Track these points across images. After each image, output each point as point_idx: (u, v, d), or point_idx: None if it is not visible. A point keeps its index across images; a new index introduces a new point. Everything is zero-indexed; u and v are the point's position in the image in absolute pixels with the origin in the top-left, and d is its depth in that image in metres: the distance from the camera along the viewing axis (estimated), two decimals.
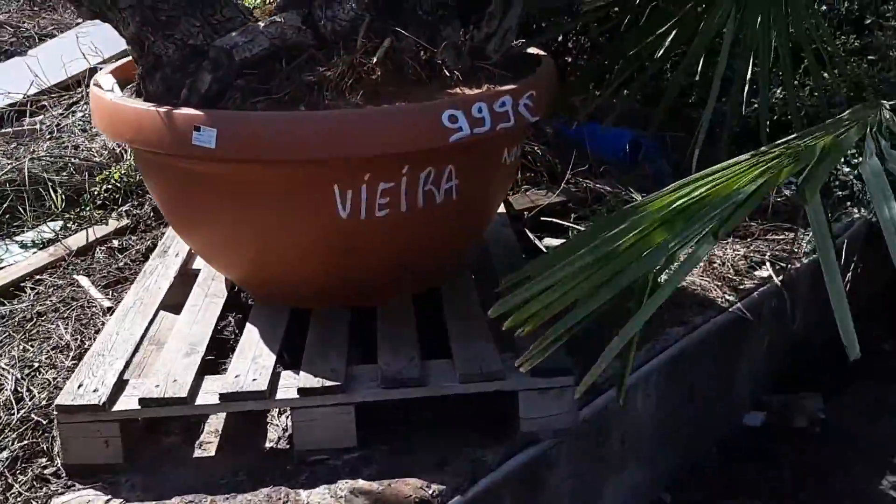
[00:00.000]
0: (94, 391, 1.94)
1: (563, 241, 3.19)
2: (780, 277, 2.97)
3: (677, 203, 1.55)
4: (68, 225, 3.28)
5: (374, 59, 2.14)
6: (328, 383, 1.95)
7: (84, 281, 2.90)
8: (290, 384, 1.98)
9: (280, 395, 1.95)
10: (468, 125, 2.02)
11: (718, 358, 2.82)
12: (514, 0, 2.28)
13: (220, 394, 1.93)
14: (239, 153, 1.94)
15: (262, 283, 2.38)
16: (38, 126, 3.94)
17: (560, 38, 4.59)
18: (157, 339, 2.39)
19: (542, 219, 3.30)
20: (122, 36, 2.28)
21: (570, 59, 4.66)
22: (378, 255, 2.22)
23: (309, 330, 2.26)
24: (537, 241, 3.18)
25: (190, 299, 2.46)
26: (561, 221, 3.29)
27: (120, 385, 2.00)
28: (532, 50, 2.59)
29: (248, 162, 1.97)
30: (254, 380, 1.97)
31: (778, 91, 3.81)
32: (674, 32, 2.40)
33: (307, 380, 1.97)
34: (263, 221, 2.13)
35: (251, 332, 2.26)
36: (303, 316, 2.38)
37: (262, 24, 2.20)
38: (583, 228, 3.22)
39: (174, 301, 2.54)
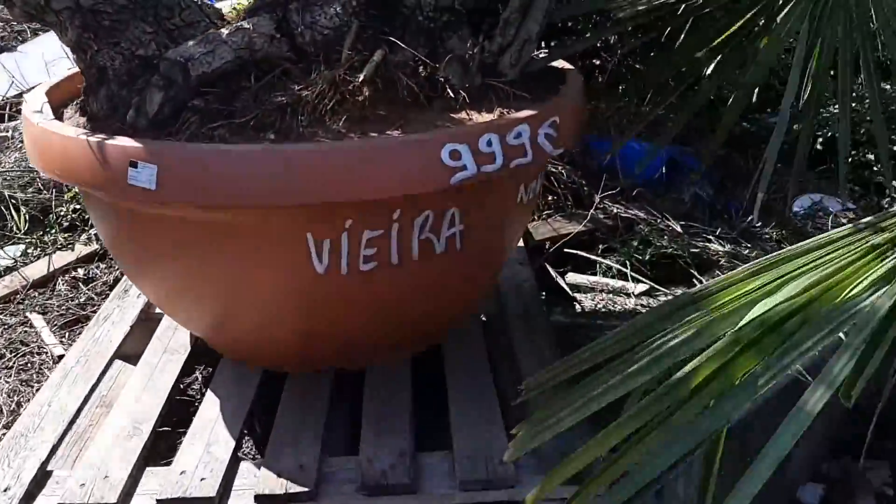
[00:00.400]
0: (3, 491, 1.56)
1: (589, 277, 2.78)
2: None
3: (765, 310, 1.13)
4: (29, 250, 2.91)
5: (362, 76, 1.74)
6: (293, 488, 1.55)
7: (38, 320, 2.53)
8: (248, 485, 1.59)
9: (233, 501, 1.56)
10: (474, 163, 1.61)
11: (770, 425, 2.39)
12: (535, 4, 1.86)
13: (157, 500, 1.54)
14: (184, 196, 1.54)
15: (228, 343, 1.99)
16: (9, 133, 3.57)
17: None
18: (109, 399, 2.01)
19: (566, 250, 2.89)
20: (63, 43, 1.89)
21: (598, 63, 4.23)
22: (363, 315, 1.83)
23: (280, 403, 1.87)
24: (560, 279, 2.76)
25: (145, 355, 2.08)
26: (588, 255, 2.88)
27: (40, 479, 1.62)
28: (556, 62, 2.17)
29: (199, 207, 1.57)
30: (202, 479, 1.58)
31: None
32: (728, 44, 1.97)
33: (267, 480, 1.58)
34: (223, 274, 1.74)
35: (210, 404, 1.87)
36: (277, 380, 1.99)
37: (225, 31, 1.80)
38: (612, 263, 2.81)
39: (134, 350, 2.17)
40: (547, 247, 2.93)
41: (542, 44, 2.24)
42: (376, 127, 1.73)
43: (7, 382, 2.18)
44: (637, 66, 3.34)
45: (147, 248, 1.77)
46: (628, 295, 2.72)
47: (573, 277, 2.81)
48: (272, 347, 1.92)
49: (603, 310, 2.66)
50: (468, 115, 1.79)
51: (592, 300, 2.73)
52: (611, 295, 2.74)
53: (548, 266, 2.80)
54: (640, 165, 2.69)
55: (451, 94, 1.80)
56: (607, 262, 2.84)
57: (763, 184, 1.85)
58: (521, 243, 2.76)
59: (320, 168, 1.53)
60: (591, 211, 3.03)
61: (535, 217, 3.05)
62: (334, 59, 1.80)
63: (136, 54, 1.79)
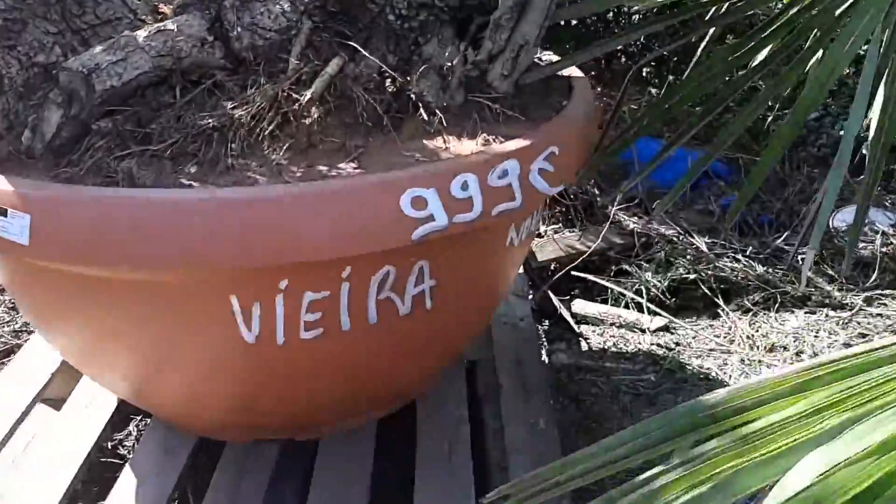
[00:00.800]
0: None
1: (599, 307, 2.42)
2: None
3: (821, 474, 0.76)
4: None
5: (310, 93, 1.38)
6: None
7: None
8: None
9: None
10: (444, 213, 1.26)
11: None
12: (532, 2, 1.49)
13: None
14: (64, 255, 1.20)
15: (154, 407, 1.66)
16: None
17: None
18: (15, 460, 1.69)
19: (573, 272, 2.54)
20: None
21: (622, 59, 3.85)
22: (309, 386, 1.49)
23: (211, 484, 1.55)
24: (564, 310, 2.41)
25: (66, 405, 1.77)
26: (597, 279, 2.52)
27: None
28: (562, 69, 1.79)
29: (84, 265, 1.24)
30: None
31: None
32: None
33: None
34: (138, 334, 1.41)
35: (126, 483, 1.55)
36: (214, 449, 1.67)
37: (144, 33, 1.45)
38: (625, 291, 2.44)
39: (61, 393, 1.86)
40: (552, 268, 2.58)
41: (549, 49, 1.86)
42: (326, 158, 1.38)
43: None
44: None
45: (44, 302, 1.44)
46: (643, 330, 2.37)
47: (581, 306, 2.45)
48: (204, 417, 1.60)
49: (613, 348, 2.31)
50: (445, 141, 1.43)
51: (601, 335, 2.38)
52: (623, 330, 2.38)
53: (551, 295, 2.44)
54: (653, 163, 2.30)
55: (425, 116, 1.44)
56: (619, 289, 2.48)
57: (824, 215, 1.45)
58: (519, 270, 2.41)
59: (239, 222, 1.19)
60: (606, 227, 2.67)
61: (540, 233, 2.69)
62: (279, 70, 1.45)
63: (34, 61, 1.45)
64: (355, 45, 1.46)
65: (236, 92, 1.44)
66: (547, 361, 2.20)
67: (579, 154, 1.49)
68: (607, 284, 2.50)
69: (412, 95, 1.46)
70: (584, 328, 2.41)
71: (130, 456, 1.81)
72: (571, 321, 2.37)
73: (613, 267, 2.60)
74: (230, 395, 1.50)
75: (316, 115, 1.38)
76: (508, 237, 1.52)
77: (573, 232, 2.71)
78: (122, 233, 1.18)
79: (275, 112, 1.38)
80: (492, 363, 1.93)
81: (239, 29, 1.46)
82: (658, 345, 2.31)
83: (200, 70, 1.46)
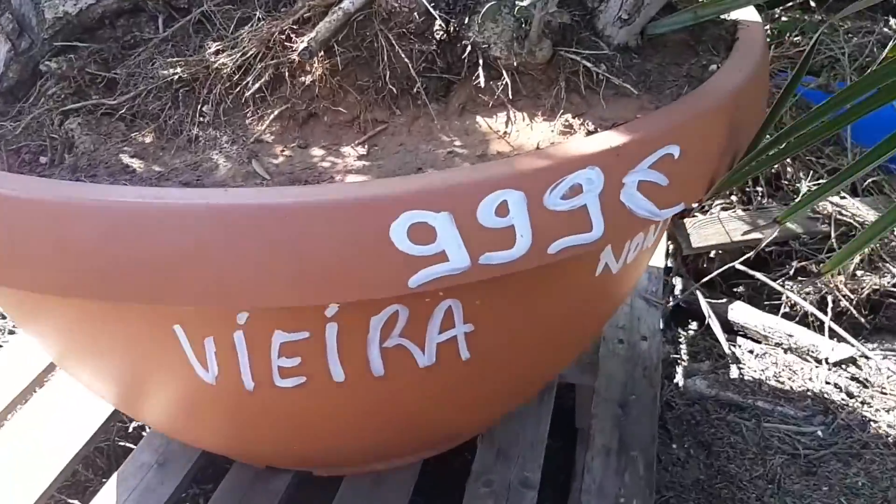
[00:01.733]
0: None
1: (766, 318, 1.85)
2: None
3: None
4: None
5: (308, 40, 0.94)
6: None
7: None
8: None
9: None
10: (464, 250, 0.80)
11: None
12: None
13: None
14: None
15: (145, 423, 1.35)
16: None
17: None
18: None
19: (738, 267, 1.97)
20: None
21: None
22: (304, 437, 1.11)
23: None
24: (714, 323, 1.86)
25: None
26: (769, 280, 1.93)
27: None
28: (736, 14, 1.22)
29: None
30: None
31: None
32: None
33: None
34: (106, 356, 1.07)
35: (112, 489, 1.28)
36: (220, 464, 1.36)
37: None
38: (800, 301, 1.85)
39: None
40: (712, 257, 2.02)
41: None
42: (328, 136, 0.96)
43: None
44: None
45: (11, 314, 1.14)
46: (819, 360, 1.78)
47: (741, 313, 1.89)
48: (201, 445, 1.27)
49: (773, 381, 1.76)
50: (510, 120, 0.96)
51: (761, 359, 1.82)
52: (791, 355, 1.81)
53: (700, 296, 1.90)
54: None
55: (483, 79, 0.97)
56: (796, 297, 1.89)
57: None
58: (658, 259, 1.88)
59: (140, 240, 0.79)
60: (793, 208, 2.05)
61: (703, 207, 2.12)
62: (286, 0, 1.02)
63: None
64: None
65: (229, 29, 1.03)
66: (679, 389, 1.70)
67: (719, 157, 0.96)
68: (780, 289, 1.91)
69: (470, 47, 0.98)
70: (740, 345, 1.86)
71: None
72: (721, 336, 1.83)
73: (794, 263, 2.00)
74: (217, 435, 1.16)
75: (319, 73, 0.95)
76: (599, 266, 1.03)
77: (748, 210, 2.10)
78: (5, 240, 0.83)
79: (265, 64, 0.96)
80: (589, 398, 1.47)
81: None
82: (837, 385, 1.72)
83: None
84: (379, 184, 0.81)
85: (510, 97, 0.97)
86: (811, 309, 1.86)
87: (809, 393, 1.71)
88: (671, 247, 2.05)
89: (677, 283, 1.99)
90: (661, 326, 1.65)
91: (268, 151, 0.93)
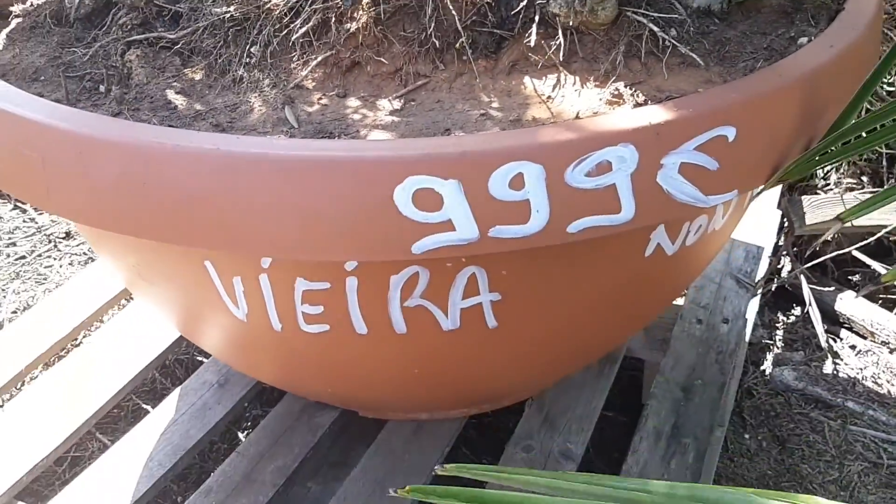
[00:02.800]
0: None
1: (877, 312, 1.70)
2: None
3: None
4: None
5: None
6: None
7: None
8: None
9: None
10: (472, 221, 0.77)
11: None
12: None
13: None
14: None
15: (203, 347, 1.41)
16: None
17: None
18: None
19: (854, 253, 1.80)
20: None
21: None
22: (339, 381, 1.13)
23: (261, 424, 1.31)
24: (814, 310, 1.72)
25: None
26: (884, 270, 1.76)
27: None
28: None
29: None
30: None
31: None
32: None
33: None
34: (151, 294, 1.12)
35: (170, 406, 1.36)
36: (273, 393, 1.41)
37: None
38: None
39: None
40: (828, 239, 1.86)
41: None
42: (368, 87, 0.93)
43: None
44: None
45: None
46: None
47: (849, 305, 1.74)
48: (255, 375, 1.32)
49: (870, 381, 1.62)
50: (560, 84, 0.90)
51: (862, 356, 1.67)
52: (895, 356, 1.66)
53: (803, 280, 1.76)
54: None
55: (534, 38, 0.91)
56: None
57: None
58: (762, 237, 1.75)
59: (154, 180, 0.80)
60: None
61: (819, 187, 1.94)
62: None
63: None
64: None
65: None
66: (765, 377, 1.60)
67: (788, 142, 0.87)
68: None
69: (527, 1, 0.92)
70: (843, 338, 1.72)
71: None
72: (819, 326, 1.69)
73: None
74: (258, 369, 1.20)
75: (363, 21, 0.92)
76: (650, 247, 0.96)
77: (878, 192, 1.91)
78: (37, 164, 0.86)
79: (314, 8, 0.94)
80: (653, 373, 1.41)
81: None
82: None
83: None
84: (386, 144, 0.78)
85: (563, 59, 0.90)
86: None
87: None
88: (784, 224, 1.90)
89: (785, 263, 1.85)
90: (749, 310, 1.53)
91: (305, 98, 0.92)
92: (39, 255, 1.97)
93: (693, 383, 1.38)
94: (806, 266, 1.77)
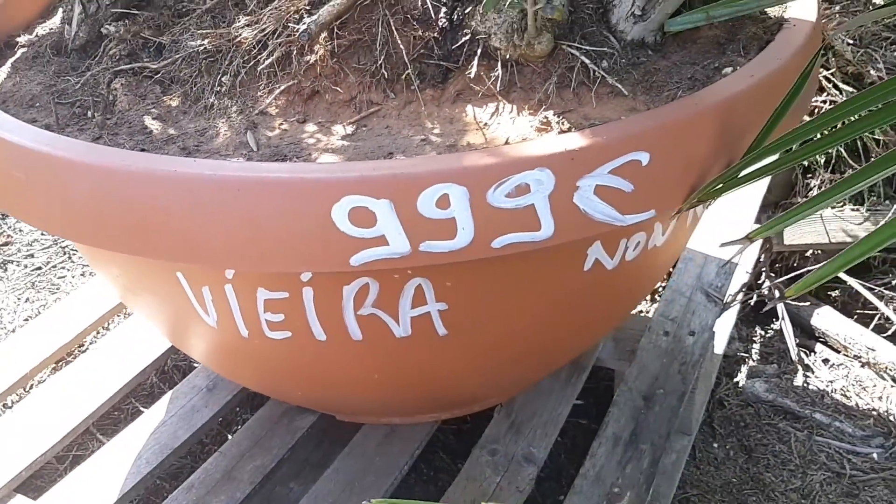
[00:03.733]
0: None
1: (852, 328, 1.75)
2: None
3: None
4: None
5: (309, 22, 1.00)
6: None
7: None
8: None
9: None
10: (403, 236, 0.85)
11: None
12: None
13: None
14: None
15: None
16: None
17: None
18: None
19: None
20: None
21: None
22: (303, 385, 1.21)
23: (245, 425, 1.40)
24: (786, 324, 1.77)
25: None
26: (859, 287, 1.80)
27: None
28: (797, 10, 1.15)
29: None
30: None
31: None
32: None
33: None
34: (136, 297, 1.22)
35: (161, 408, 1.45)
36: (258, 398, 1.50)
37: None
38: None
39: None
40: (807, 255, 1.91)
41: None
42: (326, 113, 1.02)
43: None
44: None
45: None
46: (895, 380, 1.67)
47: (825, 320, 1.79)
48: (227, 374, 1.41)
49: (838, 394, 1.66)
50: (498, 111, 0.98)
51: (833, 370, 1.72)
52: (867, 370, 1.70)
53: (777, 295, 1.81)
54: None
55: (475, 69, 0.99)
56: (888, 310, 1.76)
57: None
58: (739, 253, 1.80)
59: (122, 198, 0.89)
60: None
61: (795, 192, 1.99)
62: None
63: None
64: None
65: (263, 4, 1.11)
66: (737, 389, 1.65)
67: (703, 166, 0.94)
68: (871, 298, 1.79)
69: (470, 35, 1.00)
70: (817, 352, 1.76)
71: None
72: (791, 340, 1.74)
73: None
74: (235, 373, 1.29)
75: (321, 54, 1.01)
76: (588, 261, 1.04)
77: (856, 211, 1.96)
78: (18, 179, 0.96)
79: (278, 41, 1.04)
80: (621, 379, 1.47)
81: None
82: None
83: None
84: (325, 167, 0.87)
85: (502, 89, 0.99)
86: None
87: (874, 412, 1.61)
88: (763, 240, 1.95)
89: (764, 279, 1.91)
90: (718, 323, 1.59)
91: (267, 124, 1.01)
92: (54, 266, 2.09)
93: (655, 392, 1.44)
94: (782, 280, 1.82)
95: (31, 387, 1.67)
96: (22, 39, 1.33)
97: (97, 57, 1.19)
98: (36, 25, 1.40)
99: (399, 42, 0.99)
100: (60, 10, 1.39)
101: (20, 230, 2.21)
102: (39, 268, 2.08)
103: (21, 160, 0.94)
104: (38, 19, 1.43)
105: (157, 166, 0.87)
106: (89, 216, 0.91)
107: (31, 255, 2.13)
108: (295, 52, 1.03)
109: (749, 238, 0.92)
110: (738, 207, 1.83)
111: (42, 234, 2.21)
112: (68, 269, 2.07)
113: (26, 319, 1.87)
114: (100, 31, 1.19)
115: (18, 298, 1.95)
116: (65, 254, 2.13)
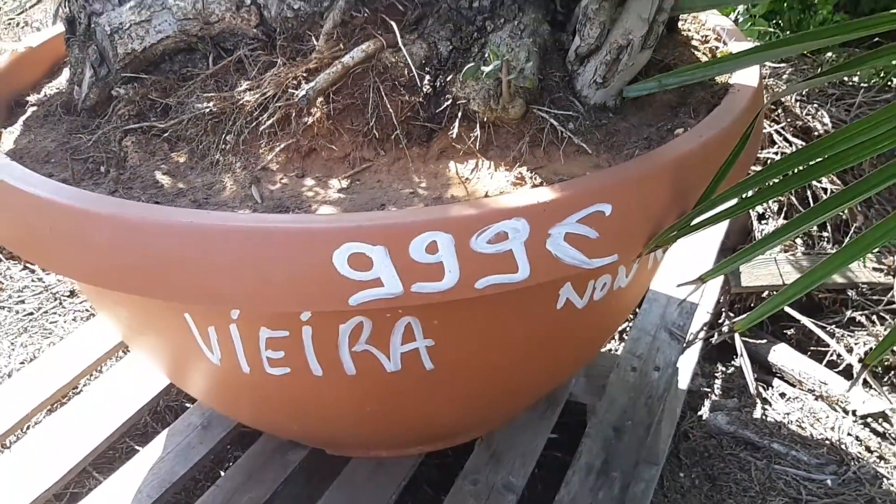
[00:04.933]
0: None
1: (807, 365, 1.87)
2: None
3: None
4: None
5: (307, 89, 1.12)
6: None
7: None
8: None
9: None
10: (397, 279, 0.95)
11: None
12: None
13: None
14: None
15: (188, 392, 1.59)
16: None
17: None
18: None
19: (786, 309, 1.98)
20: None
21: None
22: (300, 419, 1.30)
23: (236, 463, 1.47)
24: (745, 361, 1.89)
25: None
26: (816, 325, 1.93)
27: None
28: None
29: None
30: None
31: None
32: None
33: None
34: (140, 336, 1.31)
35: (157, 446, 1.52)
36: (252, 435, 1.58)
37: None
38: (843, 353, 1.85)
39: None
40: (764, 297, 2.04)
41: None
42: (322, 169, 1.13)
43: None
44: None
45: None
46: (846, 411, 1.78)
47: (782, 356, 1.91)
48: (225, 411, 1.49)
49: (794, 425, 1.78)
50: (477, 168, 1.10)
51: (789, 403, 1.84)
52: (821, 403, 1.82)
53: (737, 334, 1.93)
54: None
55: (456, 130, 1.11)
56: (839, 347, 1.89)
57: None
58: (698, 295, 1.93)
59: (138, 246, 0.99)
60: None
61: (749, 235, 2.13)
62: (305, 50, 1.20)
63: (92, 9, 1.36)
64: (396, 27, 1.15)
65: (262, 70, 1.22)
66: (701, 422, 1.76)
67: (660, 216, 1.06)
68: (823, 336, 1.92)
69: (452, 100, 1.13)
70: (774, 387, 1.89)
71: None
72: (749, 375, 1.86)
73: (848, 313, 1.99)
74: (234, 410, 1.37)
75: (318, 116, 1.13)
76: (560, 301, 1.15)
77: (808, 255, 2.10)
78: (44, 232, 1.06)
79: (278, 104, 1.15)
80: (592, 411, 1.58)
81: None
82: (858, 437, 1.73)
83: (235, 38, 1.26)
84: (326, 218, 0.98)
85: (481, 147, 1.10)
86: (849, 358, 1.86)
87: (828, 442, 1.72)
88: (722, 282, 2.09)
89: (724, 318, 2.03)
90: (681, 360, 1.71)
91: (269, 178, 1.12)
92: (46, 312, 2.16)
93: (624, 424, 1.54)
94: (736, 320, 1.94)
95: (28, 427, 1.73)
96: (31, 98, 1.44)
97: (107, 116, 1.29)
98: (43, 85, 1.50)
99: (388, 106, 1.11)
100: (66, 70, 1.50)
101: (10, 277, 2.28)
102: (31, 313, 2.15)
103: (45, 211, 1.04)
104: (45, 79, 1.53)
105: (174, 218, 0.97)
106: (110, 262, 1.01)
107: (22, 301, 2.20)
108: (294, 114, 1.14)
109: (702, 279, 1.04)
110: (699, 252, 1.96)
111: (32, 281, 2.28)
112: (59, 315, 2.14)
113: (22, 363, 1.94)
114: (109, 93, 1.29)
115: (12, 343, 2.01)
116: (55, 300, 2.20)
